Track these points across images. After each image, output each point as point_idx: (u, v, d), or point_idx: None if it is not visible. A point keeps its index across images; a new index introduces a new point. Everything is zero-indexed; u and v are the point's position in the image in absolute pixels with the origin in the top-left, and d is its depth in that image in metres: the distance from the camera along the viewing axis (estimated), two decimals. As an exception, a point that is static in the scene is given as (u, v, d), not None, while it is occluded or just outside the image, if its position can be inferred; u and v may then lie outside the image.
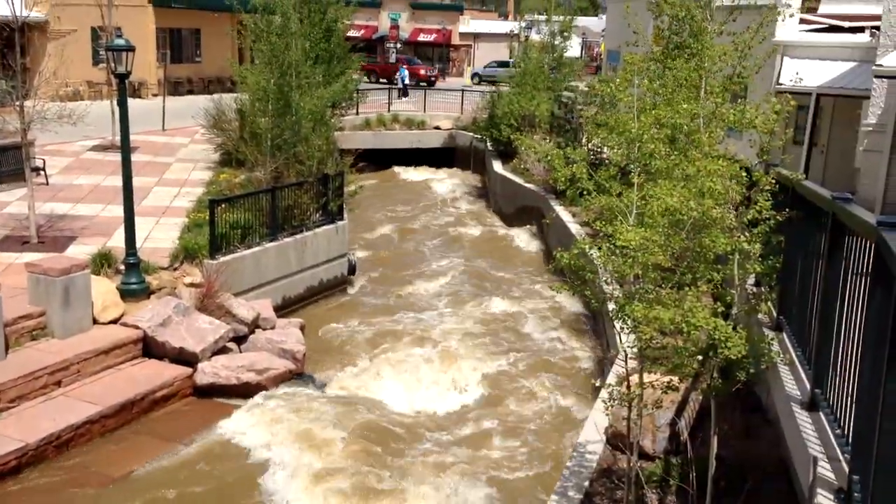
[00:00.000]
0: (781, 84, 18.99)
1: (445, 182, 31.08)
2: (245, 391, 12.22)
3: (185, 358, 12.26)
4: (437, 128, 34.64)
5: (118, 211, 14.31)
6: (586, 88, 25.15)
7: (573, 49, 36.57)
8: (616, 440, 8.73)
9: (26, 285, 12.10)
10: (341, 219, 18.10)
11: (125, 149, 13.26)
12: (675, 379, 7.14)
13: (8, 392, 10.49)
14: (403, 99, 39.89)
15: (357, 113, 32.89)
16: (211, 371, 12.24)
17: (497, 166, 27.24)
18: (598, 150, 19.42)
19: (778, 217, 6.64)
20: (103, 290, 12.69)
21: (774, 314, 8.40)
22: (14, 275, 12.91)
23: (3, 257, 14.25)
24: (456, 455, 10.67)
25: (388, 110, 35.06)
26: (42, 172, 19.42)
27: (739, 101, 7.90)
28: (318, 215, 17.43)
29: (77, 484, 9.56)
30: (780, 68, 19.84)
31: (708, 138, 7.19)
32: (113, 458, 10.20)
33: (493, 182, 27.46)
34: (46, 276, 11.84)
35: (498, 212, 25.90)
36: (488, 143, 29.70)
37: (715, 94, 7.59)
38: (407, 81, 44.64)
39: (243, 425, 11.19)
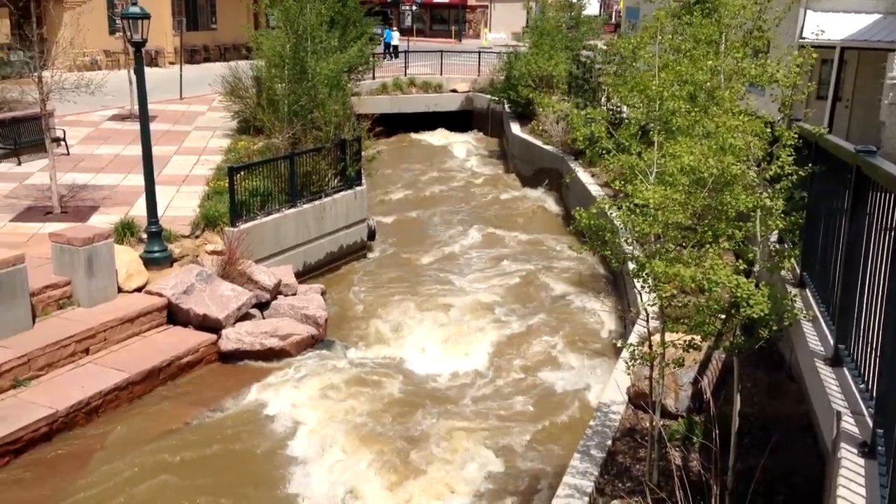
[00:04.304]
0: (804, 38, 18.63)
1: (463, 145, 30.93)
2: (269, 356, 12.37)
3: (209, 325, 12.40)
4: (454, 91, 34.37)
5: (139, 180, 14.40)
6: (605, 47, 24.84)
7: (592, 7, 36.01)
8: (638, 399, 8.75)
9: (51, 255, 12.24)
10: (360, 184, 18.09)
11: (144, 118, 13.30)
12: (697, 338, 7.12)
13: (37, 360, 10.68)
14: (395, 61, 39.74)
15: (373, 78, 32.70)
16: (235, 337, 12.37)
17: (515, 128, 27.04)
18: (618, 109, 19.25)
19: (801, 172, 6.56)
20: (127, 259, 12.82)
21: (798, 270, 8.35)
22: (38, 245, 13.06)
23: (27, 228, 14.42)
24: (478, 417, 10.76)
25: (405, 74, 34.81)
26: (62, 143, 19.54)
27: (761, 56, 7.76)
28: (336, 181, 17.43)
29: (107, 449, 9.75)
30: (803, 22, 19.44)
31: (729, 94, 7.08)
32: (141, 423, 10.38)
33: (511, 144, 27.28)
34: (70, 246, 11.97)
35: (516, 174, 25.77)
36: (506, 105, 29.45)
37: (735, 50, 7.46)
38: (395, 43, 44.95)
39: (268, 390, 11.34)
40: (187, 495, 8.93)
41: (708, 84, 7.33)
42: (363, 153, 18.88)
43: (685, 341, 7.14)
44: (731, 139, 6.53)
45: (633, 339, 9.73)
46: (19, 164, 18.71)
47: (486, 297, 15.14)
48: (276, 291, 13.79)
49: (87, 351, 11.33)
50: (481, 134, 32.79)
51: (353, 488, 9.25)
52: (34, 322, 11.31)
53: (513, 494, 8.97)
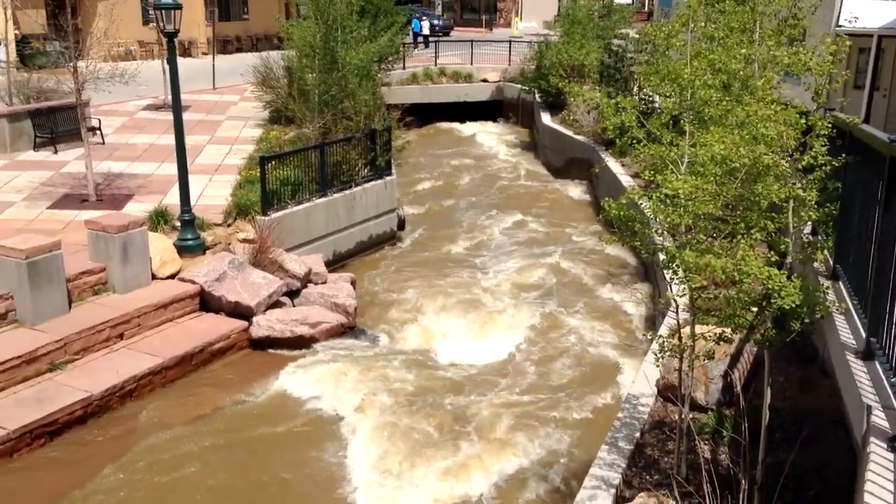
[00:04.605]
0: (841, 26, 18.29)
1: (493, 135, 30.84)
2: (299, 344, 12.50)
3: (241, 312, 12.55)
4: (485, 80, 34.27)
5: (173, 169, 14.59)
6: (637, 36, 24.59)
7: (624, -5, 35.64)
8: (667, 392, 8.71)
9: (87, 242, 12.46)
10: (389, 174, 18.14)
11: (177, 108, 13.46)
12: (728, 330, 7.06)
13: (73, 345, 10.90)
14: (425, 50, 39.54)
15: (404, 67, 32.71)
16: (266, 324, 12.51)
17: (545, 118, 26.91)
18: (650, 98, 19.06)
19: (834, 162, 6.46)
20: (161, 247, 13.01)
21: (830, 262, 8.24)
22: (74, 232, 13.30)
23: (64, 215, 14.68)
24: (506, 406, 10.77)
25: (435, 64, 34.76)
26: (98, 132, 19.84)
27: (796, 44, 7.65)
28: (366, 171, 17.49)
29: (141, 432, 9.94)
30: (840, 9, 19.09)
31: (763, 83, 6.99)
32: (175, 407, 10.56)
33: (542, 134, 27.16)
34: (106, 233, 12.17)
35: (546, 164, 25.66)
36: (536, 95, 29.30)
37: (769, 38, 7.36)
38: (426, 32, 44.72)
39: (298, 377, 11.46)
40: (219, 479, 9.07)
41: (741, 73, 7.24)
42: (393, 143, 18.92)
43: (716, 334, 7.09)
44: (764, 129, 6.45)
45: (662, 330, 9.67)
46: (56, 152, 19.03)
47: (515, 286, 15.14)
48: (307, 280, 13.90)
49: (121, 336, 11.54)
50: (511, 124, 32.68)
51: (382, 472, 9.32)
52: (70, 307, 11.54)
53: (538, 484, 8.99)
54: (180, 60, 14.31)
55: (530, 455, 9.62)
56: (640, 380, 9.20)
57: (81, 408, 10.04)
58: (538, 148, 27.76)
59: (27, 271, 10.88)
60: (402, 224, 18.71)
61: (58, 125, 19.22)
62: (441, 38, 38.19)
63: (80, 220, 13.61)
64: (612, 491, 7.03)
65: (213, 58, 29.90)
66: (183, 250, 13.37)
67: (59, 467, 9.30)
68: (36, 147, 19.16)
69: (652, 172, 7.31)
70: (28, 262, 10.88)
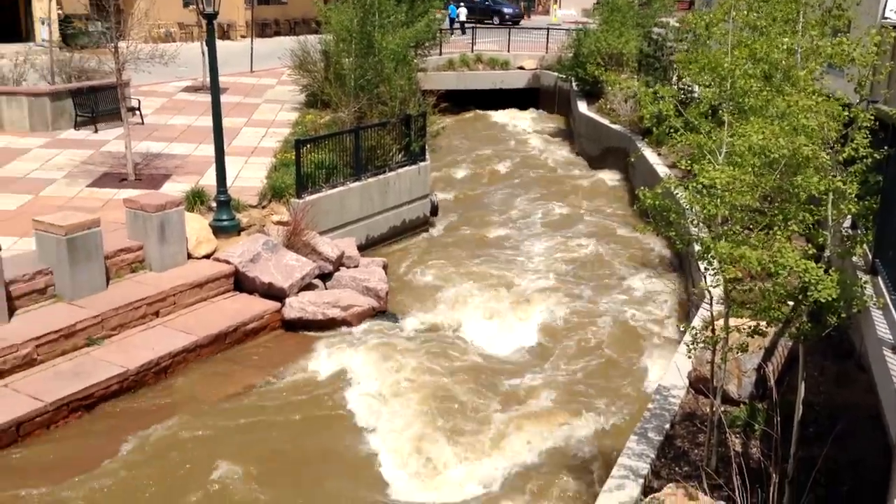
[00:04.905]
0: (887, 18, 17.88)
1: (529, 123, 30.69)
2: (330, 326, 12.60)
3: (274, 293, 12.68)
4: (521, 68, 34.07)
5: (210, 150, 14.74)
6: (678, 24, 24.28)
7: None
8: (699, 384, 8.65)
9: (125, 220, 12.66)
10: (423, 160, 18.15)
11: (215, 90, 13.58)
12: (763, 323, 6.99)
13: (110, 320, 11.10)
14: (462, 37, 39.27)
15: (440, 53, 32.62)
16: (298, 306, 12.63)
17: (582, 107, 26.70)
18: (689, 88, 18.82)
19: (876, 155, 6.34)
20: (197, 227, 13.17)
21: (870, 257, 8.10)
22: (113, 210, 13.51)
23: (103, 193, 14.93)
24: (534, 392, 10.78)
25: (472, 50, 34.63)
26: (137, 112, 20.10)
27: (840, 36, 7.50)
28: (400, 156, 17.52)
29: (175, 408, 10.11)
30: (886, 1, 18.64)
31: (805, 74, 6.87)
32: (208, 384, 10.73)
33: (578, 123, 26.97)
34: (144, 212, 12.36)
35: (582, 153, 25.49)
36: (573, 83, 29.07)
37: (812, 28, 7.22)
38: (463, 19, 44.43)
39: (329, 358, 11.57)
40: (251, 456, 9.20)
41: (783, 63, 7.12)
42: (428, 129, 18.91)
43: (750, 326, 7.02)
44: (804, 119, 6.35)
45: (695, 322, 9.60)
46: (96, 131, 19.33)
47: (547, 274, 15.10)
48: (339, 263, 14.00)
49: (157, 314, 11.72)
50: (547, 112, 32.47)
51: (409, 454, 9.39)
52: (108, 284, 11.75)
53: (564, 471, 8.98)
54: (219, 43, 14.43)
55: (557, 442, 9.62)
56: (671, 371, 9.14)
57: (117, 382, 10.24)
58: (573, 136, 27.58)
59: (67, 247, 11.09)
60: (435, 210, 18.73)
61: (98, 105, 19.51)
62: (512, 26, 37.52)
63: (119, 199, 13.83)
64: (641, 481, 7.01)
65: (252, 41, 30.09)
66: (218, 231, 13.53)
67: (95, 439, 9.50)
68: (77, 126, 19.48)
69: (689, 162, 7.25)
70: (68, 238, 11.09)
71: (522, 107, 32.65)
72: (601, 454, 9.23)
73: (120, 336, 11.14)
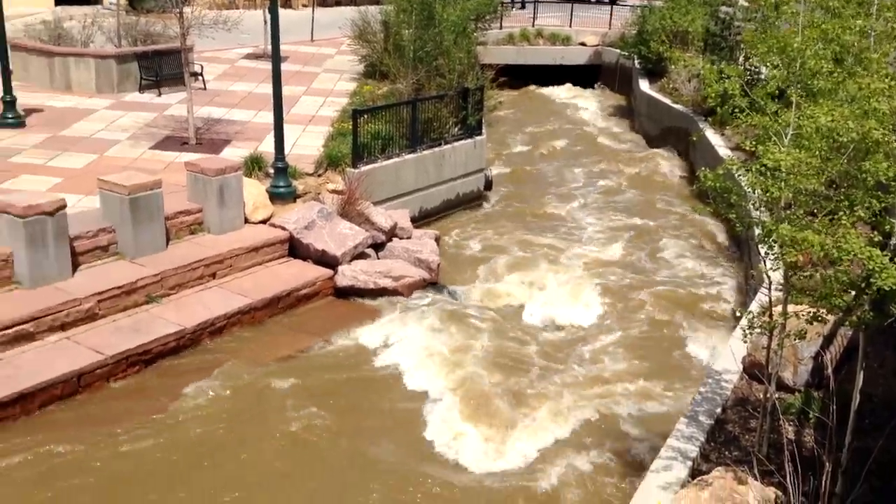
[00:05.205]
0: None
1: (588, 100, 30.26)
2: (381, 295, 12.71)
3: (327, 260, 12.83)
4: (583, 44, 33.52)
5: (268, 118, 14.89)
6: (746, 3, 23.59)
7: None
8: (753, 369, 8.53)
9: (185, 183, 12.91)
10: (479, 133, 18.07)
11: (276, 58, 13.69)
12: (823, 311, 6.83)
13: (169, 280, 11.38)
14: (523, 11, 38.61)
15: (500, 27, 32.29)
16: (350, 274, 12.76)
17: (644, 85, 26.22)
18: (756, 69, 18.35)
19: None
20: (254, 192, 13.37)
21: (940, 248, 7.84)
22: (174, 173, 13.78)
23: (165, 156, 15.24)
24: (583, 369, 10.75)
25: (533, 25, 34.21)
26: (200, 77, 20.39)
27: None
28: (456, 129, 17.48)
29: (228, 367, 10.32)
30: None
31: (878, 57, 6.64)
32: (261, 345, 10.95)
33: (639, 102, 26.51)
34: (204, 176, 12.58)
35: (641, 132, 25.08)
36: (636, 61, 28.53)
37: (888, 10, 6.97)
38: None
39: (379, 327, 11.70)
40: (300, 418, 9.39)
41: (856, 45, 6.89)
42: (485, 103, 18.81)
43: (809, 313, 6.87)
44: (876, 103, 6.14)
45: (753, 307, 9.44)
46: (160, 95, 19.69)
47: (600, 252, 14.97)
48: (392, 234, 14.08)
49: (214, 275, 11.97)
50: (608, 90, 31.94)
51: (456, 422, 9.45)
52: (167, 244, 12.03)
53: (610, 450, 8.95)
54: (281, 11, 14.52)
55: (604, 420, 9.60)
56: (725, 355, 9.02)
57: (174, 339, 10.52)
58: (634, 115, 27.14)
59: (129, 207, 11.37)
60: (489, 184, 18.67)
61: (162, 69, 19.84)
62: (575, 1, 36.59)
63: (180, 162, 14.10)
64: (689, 463, 6.96)
65: (313, 10, 30.21)
66: (275, 197, 13.71)
67: (151, 394, 9.79)
68: (141, 89, 19.86)
69: (753, 143, 7.11)
70: (131, 198, 11.37)
71: (582, 84, 32.17)
72: (648, 434, 9.18)
73: (177, 295, 11.41)
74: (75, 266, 10.98)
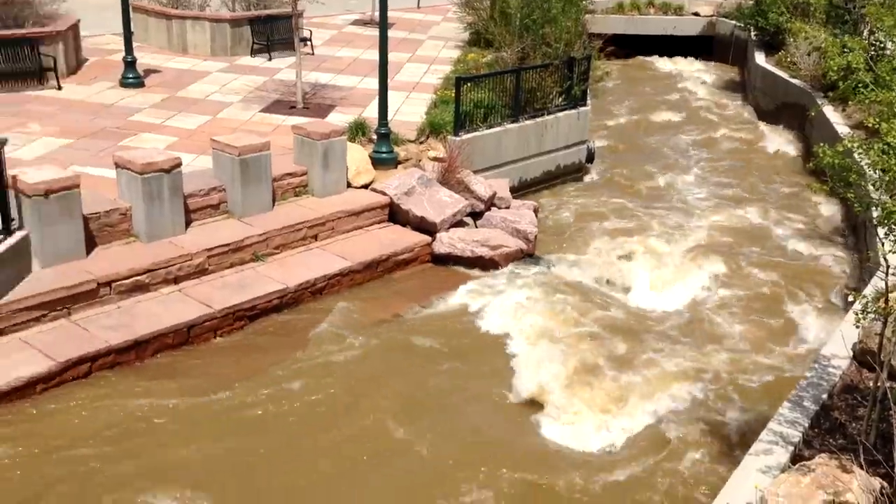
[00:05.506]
0: None
1: (699, 73, 29.22)
2: (478, 264, 12.76)
3: (425, 227, 12.95)
4: (696, 14, 32.33)
5: (373, 84, 15.08)
6: (875, -28, 22.21)
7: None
8: (864, 356, 8.17)
9: (292, 146, 13.24)
10: (584, 104, 17.76)
11: (383, 25, 13.79)
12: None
13: (274, 239, 11.75)
14: None
15: (610, -5, 31.51)
16: (448, 242, 12.85)
17: (759, 58, 25.13)
18: (881, 44, 17.32)
19: None
20: (357, 157, 13.60)
21: None
22: (282, 136, 14.16)
23: (273, 119, 15.66)
24: (681, 348, 10.51)
25: (644, -7, 33.21)
26: (309, 43, 20.79)
27: None
28: (560, 99, 17.21)
29: (327, 327, 10.60)
30: None
31: None
32: (358, 309, 11.17)
33: (753, 75, 25.45)
34: (310, 139, 12.87)
35: (755, 107, 24.09)
36: (752, 33, 27.36)
37: None
38: None
39: (475, 295, 11.75)
40: (394, 381, 9.59)
41: None
42: (591, 73, 18.44)
43: (930, 300, 6.50)
44: None
45: (867, 291, 9.01)
46: (270, 59, 20.20)
47: (706, 231, 14.50)
48: (490, 203, 14.07)
49: (316, 237, 12.29)
50: (721, 62, 30.76)
51: (549, 394, 9.44)
52: (273, 205, 12.40)
53: (710, 430, 8.74)
54: (389, -23, 14.58)
55: (701, 400, 9.38)
56: (834, 341, 8.66)
57: (277, 297, 10.87)
58: (747, 89, 26.10)
59: (240, 167, 11.76)
60: (591, 157, 18.37)
61: (273, 33, 20.33)
62: None
63: (288, 125, 14.46)
64: (790, 448, 6.75)
65: (421, -23, 30.23)
66: (377, 162, 13.90)
67: (255, 348, 10.17)
68: (253, 53, 20.42)
69: (877, 120, 6.77)
70: (241, 158, 11.75)
71: (694, 55, 31.09)
72: (748, 417, 8.92)
73: (281, 255, 11.78)
74: (188, 222, 11.47)
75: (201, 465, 8.03)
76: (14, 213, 9.89)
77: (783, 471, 6.39)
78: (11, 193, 9.87)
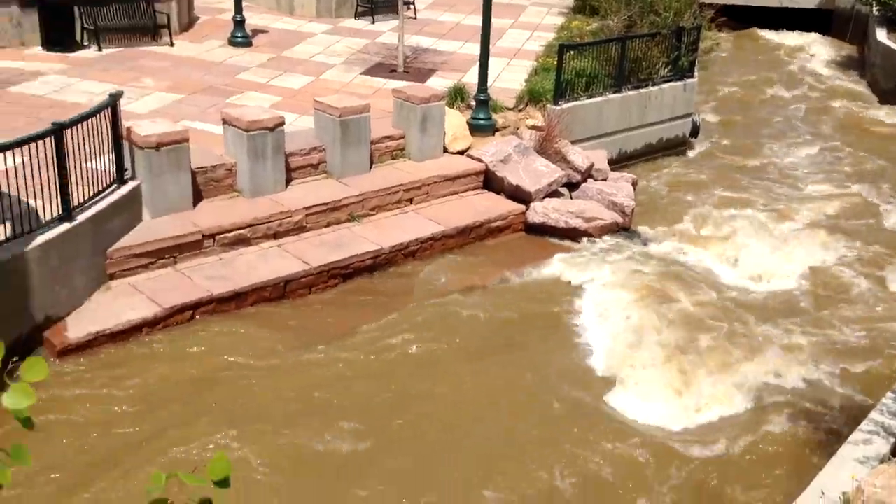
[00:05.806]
0: None
1: (815, 48, 27.84)
2: (571, 235, 12.62)
3: (520, 196, 12.87)
4: (815, -14, 30.75)
5: (474, 49, 15.00)
6: None
7: None
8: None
9: (391, 109, 13.35)
10: (691, 76, 17.19)
11: (487, -12, 13.65)
12: None
13: (370, 201, 11.92)
14: None
15: (725, -36, 30.26)
16: (542, 211, 12.75)
17: (881, 34, 23.72)
18: None
19: None
20: (455, 123, 13.59)
21: None
22: (381, 98, 14.28)
23: (374, 82, 15.80)
24: (779, 332, 10.15)
25: (761, -37, 31.73)
26: (412, 6, 20.83)
27: None
28: (666, 70, 16.72)
29: (419, 290, 10.74)
30: None
31: None
32: (450, 273, 11.25)
33: (873, 52, 24.07)
34: (409, 103, 12.94)
35: (873, 86, 22.82)
36: (874, 8, 25.83)
37: None
38: None
39: (568, 265, 11.62)
40: (482, 346, 9.64)
41: None
42: (700, 44, 17.82)
43: None
44: None
45: None
46: (373, 22, 20.35)
47: (814, 215, 13.86)
48: (587, 174, 13.85)
49: (411, 200, 12.40)
50: (839, 38, 29.21)
51: (639, 372, 9.30)
52: (371, 167, 12.56)
53: (805, 419, 8.46)
54: (498, -60, 14.41)
55: (799, 386, 9.06)
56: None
57: (371, 258, 11.06)
58: (866, 67, 24.72)
59: (340, 128, 11.95)
60: (695, 131, 17.80)
61: (379, -3, 20.45)
62: None
63: (388, 89, 14.57)
64: (892, 440, 6.47)
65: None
66: (474, 129, 13.86)
67: (348, 307, 10.38)
68: (357, 15, 20.61)
69: None
70: (342, 120, 11.92)
71: (810, 30, 29.61)
72: (848, 406, 8.58)
73: (377, 217, 11.94)
74: (288, 180, 11.75)
75: (344, 402, 8.37)
76: (127, 163, 10.35)
77: (882, 461, 6.14)
78: (126, 145, 10.33)
